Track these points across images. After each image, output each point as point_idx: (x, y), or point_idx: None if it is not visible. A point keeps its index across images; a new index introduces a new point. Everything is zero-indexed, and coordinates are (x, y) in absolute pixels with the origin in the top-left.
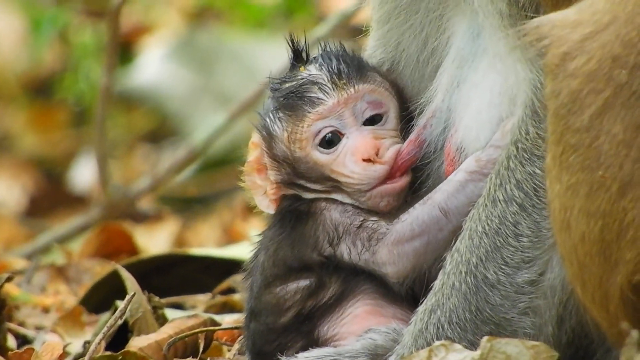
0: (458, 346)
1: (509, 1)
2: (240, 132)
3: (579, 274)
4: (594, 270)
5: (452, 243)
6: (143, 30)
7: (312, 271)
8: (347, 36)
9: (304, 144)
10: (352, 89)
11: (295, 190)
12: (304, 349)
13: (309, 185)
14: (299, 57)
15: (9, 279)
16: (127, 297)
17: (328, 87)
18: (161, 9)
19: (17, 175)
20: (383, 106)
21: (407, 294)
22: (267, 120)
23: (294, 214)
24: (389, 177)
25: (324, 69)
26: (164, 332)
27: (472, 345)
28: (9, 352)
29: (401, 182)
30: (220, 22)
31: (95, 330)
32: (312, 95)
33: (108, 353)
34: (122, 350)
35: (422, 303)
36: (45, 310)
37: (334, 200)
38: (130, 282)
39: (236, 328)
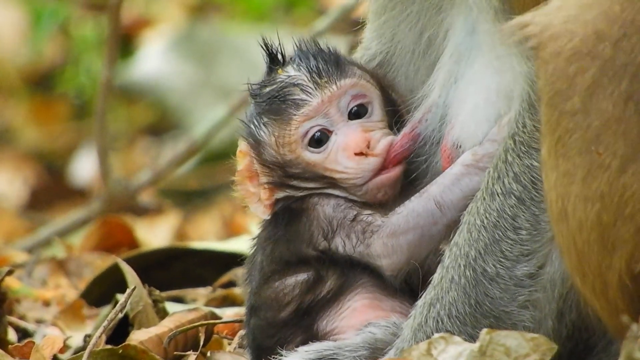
0: (457, 339)
1: None
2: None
3: (578, 265)
4: (593, 258)
5: (449, 237)
6: (144, 23)
7: (309, 265)
8: (348, 30)
9: (293, 146)
10: (334, 86)
11: (289, 192)
12: (304, 343)
13: (303, 185)
14: (275, 60)
15: (9, 273)
16: (128, 290)
17: (310, 87)
18: (162, 3)
19: (17, 168)
20: (367, 97)
21: (402, 287)
22: (252, 126)
23: (287, 211)
24: (382, 168)
25: (303, 69)
26: (165, 326)
27: (472, 339)
28: (10, 346)
29: (396, 171)
30: (221, 16)
31: (95, 324)
32: (295, 97)
33: (108, 346)
34: (123, 344)
35: (421, 297)
36: (46, 303)
37: (327, 195)
38: (131, 275)
39: (237, 321)
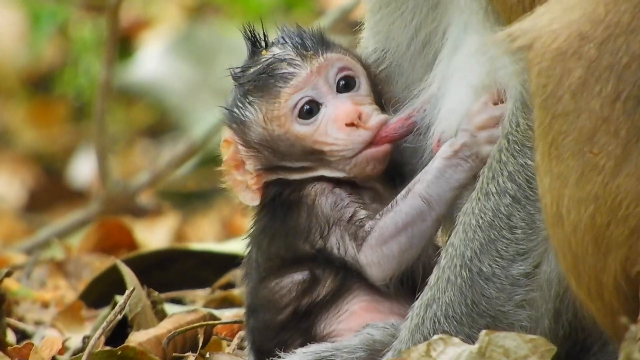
0: (456, 340)
1: None
2: None
3: (573, 267)
4: (588, 260)
5: (445, 237)
6: (142, 25)
7: (304, 265)
8: (347, 31)
9: (282, 120)
10: (321, 58)
11: (278, 174)
12: (303, 346)
13: (291, 164)
14: (257, 44)
15: (8, 274)
16: (127, 292)
17: (297, 60)
18: (161, 4)
19: (16, 170)
20: (353, 71)
21: (399, 289)
22: (236, 109)
23: (285, 204)
24: (371, 143)
25: (288, 46)
26: (163, 327)
27: (469, 339)
28: (9, 347)
29: (385, 147)
30: (220, 17)
31: (94, 325)
32: (283, 71)
33: (107, 348)
34: (122, 345)
35: (418, 298)
36: (45, 305)
37: (324, 186)
38: (130, 277)
39: (236, 322)
